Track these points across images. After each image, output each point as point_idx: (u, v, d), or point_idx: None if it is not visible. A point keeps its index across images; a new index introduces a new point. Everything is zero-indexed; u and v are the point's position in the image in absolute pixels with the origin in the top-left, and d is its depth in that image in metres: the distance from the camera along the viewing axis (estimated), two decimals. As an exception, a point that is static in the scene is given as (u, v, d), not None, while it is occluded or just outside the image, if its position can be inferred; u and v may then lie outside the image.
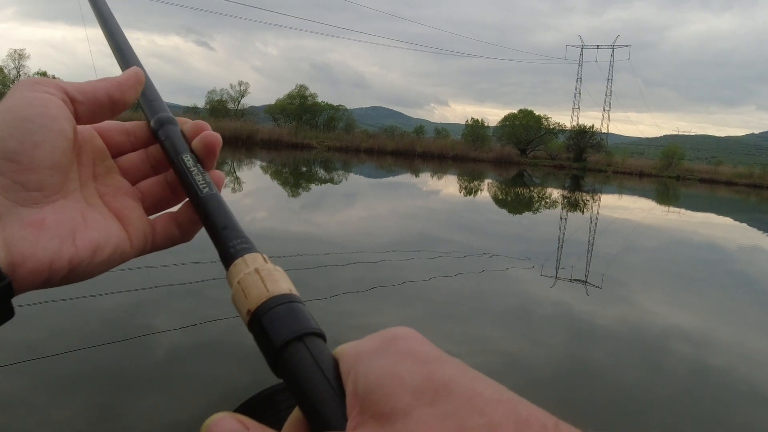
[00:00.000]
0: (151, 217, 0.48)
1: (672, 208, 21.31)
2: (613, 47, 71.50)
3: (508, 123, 53.81)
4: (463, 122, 54.71)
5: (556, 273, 7.08)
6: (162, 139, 0.48)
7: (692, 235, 13.63)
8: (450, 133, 59.67)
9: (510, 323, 4.95)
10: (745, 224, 18.31)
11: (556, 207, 17.30)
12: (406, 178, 24.97)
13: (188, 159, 0.45)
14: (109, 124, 0.48)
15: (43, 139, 0.37)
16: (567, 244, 9.87)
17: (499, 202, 17.87)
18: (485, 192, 20.70)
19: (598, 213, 16.51)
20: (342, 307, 4.80)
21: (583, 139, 49.82)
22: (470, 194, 19.39)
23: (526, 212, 15.64)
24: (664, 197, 28.25)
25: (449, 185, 22.44)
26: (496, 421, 0.24)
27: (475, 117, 55.97)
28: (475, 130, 52.06)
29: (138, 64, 0.50)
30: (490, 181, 27.06)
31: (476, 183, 24.73)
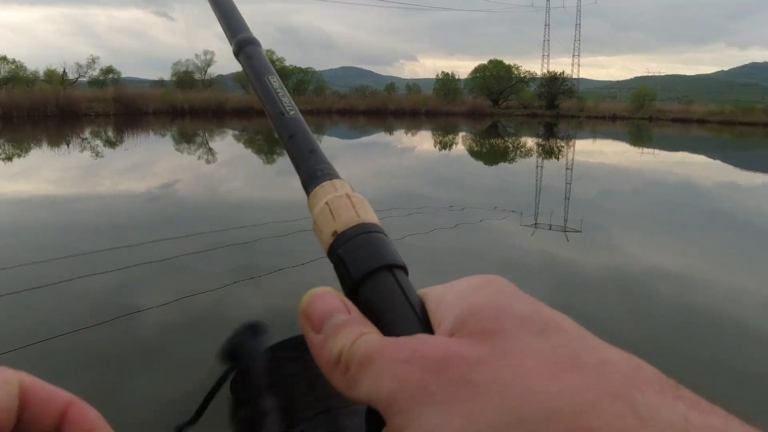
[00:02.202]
0: None
1: (646, 150, 21.49)
2: (579, -9, 70.89)
3: (478, 74, 53.43)
4: (434, 77, 54.25)
5: (536, 221, 7.11)
6: (244, 61, 0.47)
7: (667, 175, 13.77)
8: (422, 88, 59.18)
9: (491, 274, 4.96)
10: (718, 161, 18.52)
11: (531, 156, 17.34)
12: (380, 136, 24.82)
13: (274, 80, 0.46)
14: None
15: None
16: (544, 191, 9.91)
17: (474, 154, 17.85)
18: (460, 145, 20.66)
19: (573, 159, 16.59)
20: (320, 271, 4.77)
21: (554, 86, 49.74)
22: (445, 148, 19.34)
23: (502, 163, 15.66)
24: (638, 139, 28.46)
25: (423, 141, 22.34)
26: (611, 359, 0.22)
27: (446, 71, 55.26)
28: (447, 83, 51.69)
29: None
30: (464, 134, 27.01)
31: (450, 137, 24.67)
